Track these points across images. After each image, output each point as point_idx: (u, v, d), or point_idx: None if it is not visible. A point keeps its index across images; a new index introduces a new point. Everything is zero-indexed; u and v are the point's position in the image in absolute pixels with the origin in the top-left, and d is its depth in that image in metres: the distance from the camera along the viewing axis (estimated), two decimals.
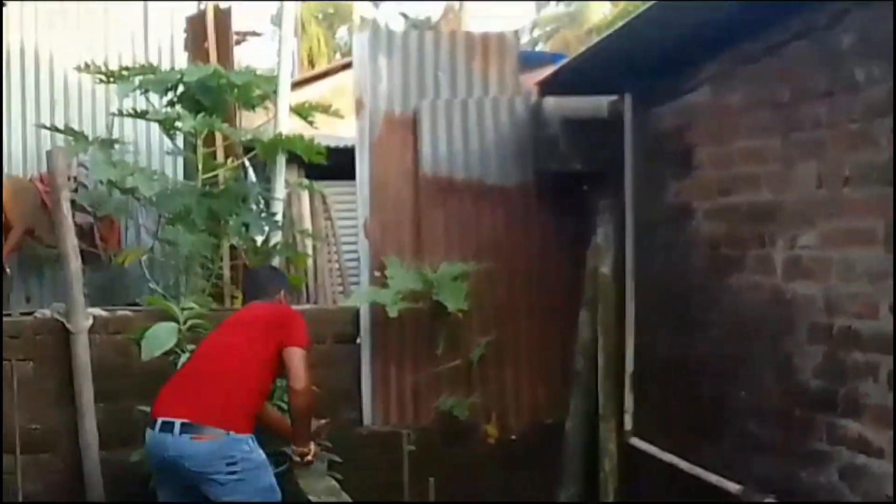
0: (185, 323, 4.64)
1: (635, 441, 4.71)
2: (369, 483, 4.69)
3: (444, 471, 5.01)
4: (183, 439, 3.68)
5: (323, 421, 4.28)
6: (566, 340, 5.21)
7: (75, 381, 4.71)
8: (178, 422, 3.71)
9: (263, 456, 3.85)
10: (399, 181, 5.25)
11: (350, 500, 4.00)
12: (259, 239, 5.93)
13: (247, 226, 5.84)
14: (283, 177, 6.09)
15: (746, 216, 3.91)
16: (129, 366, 4.76)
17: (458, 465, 5.09)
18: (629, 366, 4.75)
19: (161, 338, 4.53)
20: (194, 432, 3.68)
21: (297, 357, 3.89)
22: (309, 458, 4.07)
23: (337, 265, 7.78)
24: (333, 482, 4.20)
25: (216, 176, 5.98)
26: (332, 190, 7.58)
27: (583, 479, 5.01)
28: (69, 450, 4.71)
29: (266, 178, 6.39)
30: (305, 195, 7.38)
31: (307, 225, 7.31)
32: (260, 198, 6.11)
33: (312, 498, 3.98)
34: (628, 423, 4.76)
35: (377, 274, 5.08)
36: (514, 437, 5.22)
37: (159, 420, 3.76)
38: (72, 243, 4.80)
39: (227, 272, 6.10)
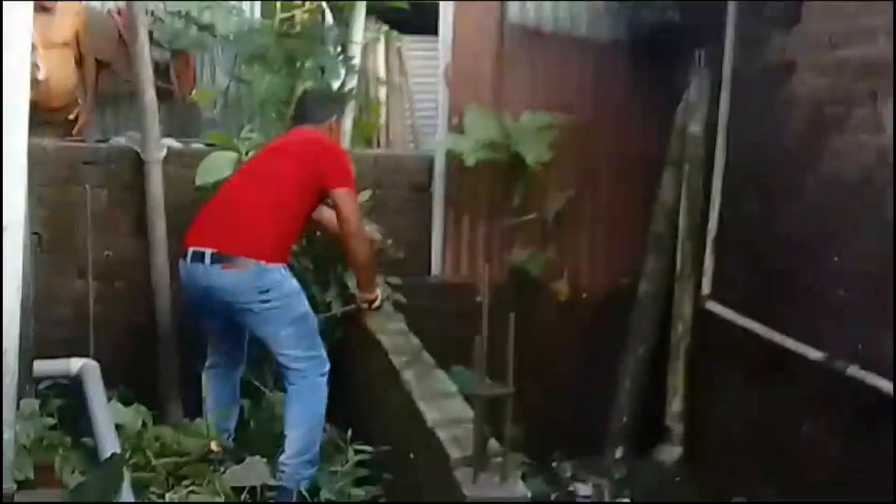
0: (246, 153, 4.50)
1: (712, 305, 4.56)
2: (434, 332, 4.64)
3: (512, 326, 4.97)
4: (214, 269, 3.59)
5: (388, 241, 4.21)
6: (647, 201, 5.04)
7: (148, 214, 4.66)
8: (208, 251, 3.61)
9: (297, 284, 3.76)
10: (483, 31, 5.00)
11: (419, 344, 3.93)
12: (335, 84, 5.77)
13: (322, 70, 5.68)
14: (362, 19, 5.86)
15: (857, 71, 3.63)
16: (202, 202, 4.72)
17: (526, 321, 5.00)
18: (712, 229, 4.57)
19: (218, 165, 4.40)
20: (224, 262, 3.58)
21: (348, 199, 3.73)
22: (376, 304, 4.00)
23: (410, 122, 7.62)
24: (403, 325, 4.14)
25: (293, 16, 5.80)
26: (409, 46, 7.37)
27: (653, 341, 4.91)
28: (142, 281, 4.71)
29: (344, 23, 6.18)
30: (381, 49, 7.18)
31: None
32: (337, 42, 5.92)
33: (382, 338, 3.94)
34: (706, 287, 4.61)
35: (454, 121, 4.91)
36: (584, 295, 5.12)
37: (190, 250, 3.67)
38: (147, 75, 4.68)
39: None
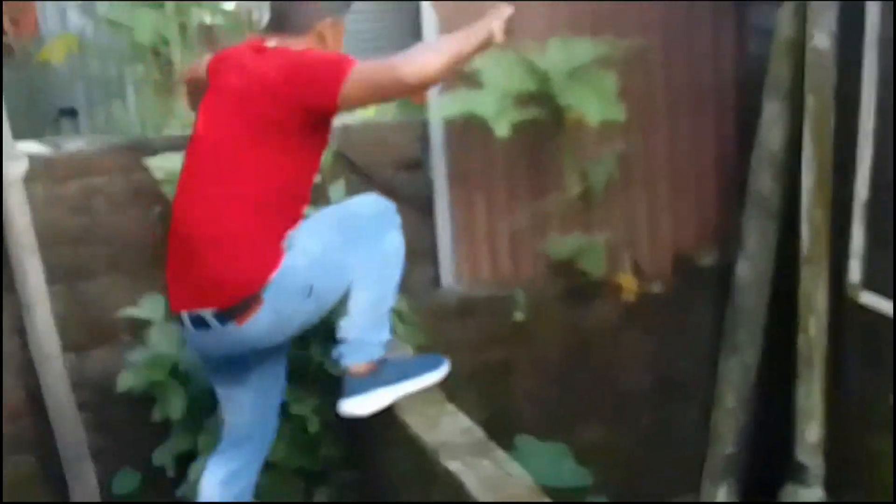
0: None
1: (866, 297, 3.17)
2: (460, 370, 3.12)
3: (565, 344, 3.53)
4: (230, 330, 2.38)
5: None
6: (739, 149, 3.58)
7: (13, 257, 3.01)
8: (207, 314, 2.38)
9: (319, 239, 2.43)
10: None
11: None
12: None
13: None
14: None
15: None
16: (95, 228, 3.09)
17: (584, 335, 3.57)
18: (861, 190, 3.12)
19: None
20: (235, 318, 2.35)
21: (364, 80, 2.21)
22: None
23: None
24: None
25: None
26: None
27: (764, 345, 3.53)
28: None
29: None
30: None
31: None
32: None
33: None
34: (854, 273, 3.20)
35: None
36: (659, 287, 3.65)
37: (185, 316, 2.44)
38: None
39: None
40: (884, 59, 2.98)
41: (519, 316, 3.44)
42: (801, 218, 3.26)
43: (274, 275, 2.34)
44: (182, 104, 4.28)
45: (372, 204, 2.58)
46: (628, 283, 3.58)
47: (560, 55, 3.19)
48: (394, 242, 2.56)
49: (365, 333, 2.55)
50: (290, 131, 2.31)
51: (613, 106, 3.06)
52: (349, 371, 2.56)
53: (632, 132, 3.49)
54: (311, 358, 2.88)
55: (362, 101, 2.39)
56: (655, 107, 3.60)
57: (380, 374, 2.57)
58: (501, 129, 3.00)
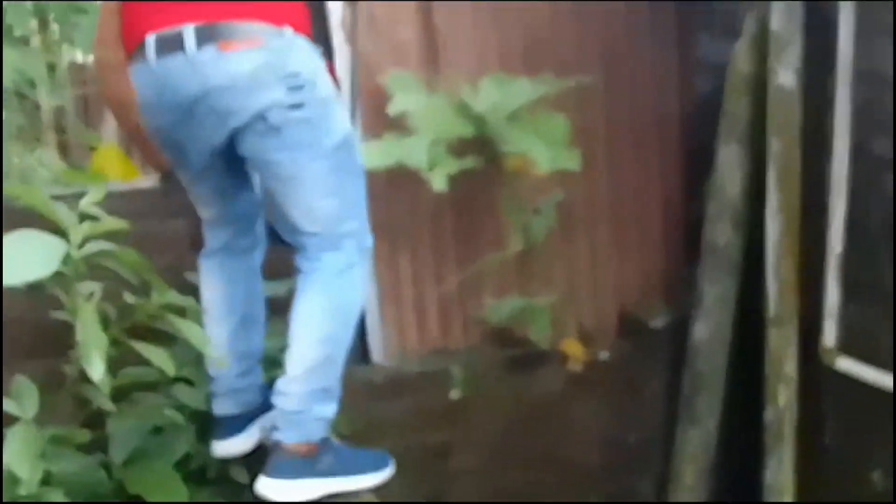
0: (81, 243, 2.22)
1: (843, 363, 2.84)
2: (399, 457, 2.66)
3: (507, 419, 3.11)
4: (205, 56, 1.93)
5: None
6: (686, 194, 3.24)
7: None
8: (188, 28, 1.93)
9: (331, 82, 2.11)
10: None
11: None
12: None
13: None
14: None
15: None
16: None
17: (525, 409, 3.14)
18: (834, 241, 2.80)
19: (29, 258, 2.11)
20: (223, 37, 1.93)
21: None
22: None
23: None
24: None
25: None
26: None
27: (724, 416, 3.17)
28: None
29: None
30: None
31: None
32: None
33: None
34: (829, 335, 2.87)
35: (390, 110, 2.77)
36: (605, 354, 3.25)
37: (150, 38, 1.97)
38: None
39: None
40: (858, 95, 2.67)
41: (455, 394, 2.99)
42: (765, 272, 2.93)
43: (296, 35, 1.98)
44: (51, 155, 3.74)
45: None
46: (574, 349, 3.17)
47: (495, 95, 2.78)
48: (358, 279, 2.16)
49: (308, 405, 2.10)
50: None
51: (565, 153, 2.66)
52: (281, 447, 2.09)
53: (570, 177, 3.09)
54: None
55: None
56: (594, 149, 3.22)
57: (318, 460, 2.11)
58: (438, 183, 2.56)
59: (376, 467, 2.23)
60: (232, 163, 2.15)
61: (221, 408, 2.33)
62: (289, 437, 2.09)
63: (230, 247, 2.35)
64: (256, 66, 1.93)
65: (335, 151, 2.07)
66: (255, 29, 1.94)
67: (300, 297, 2.12)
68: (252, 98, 1.94)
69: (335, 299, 2.11)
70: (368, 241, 2.18)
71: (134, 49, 2.03)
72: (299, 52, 2.00)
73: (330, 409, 2.14)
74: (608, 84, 3.17)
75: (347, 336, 2.14)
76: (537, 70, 2.97)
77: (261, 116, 1.96)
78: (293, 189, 2.06)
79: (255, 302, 2.39)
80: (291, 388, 2.09)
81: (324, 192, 2.07)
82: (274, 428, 2.13)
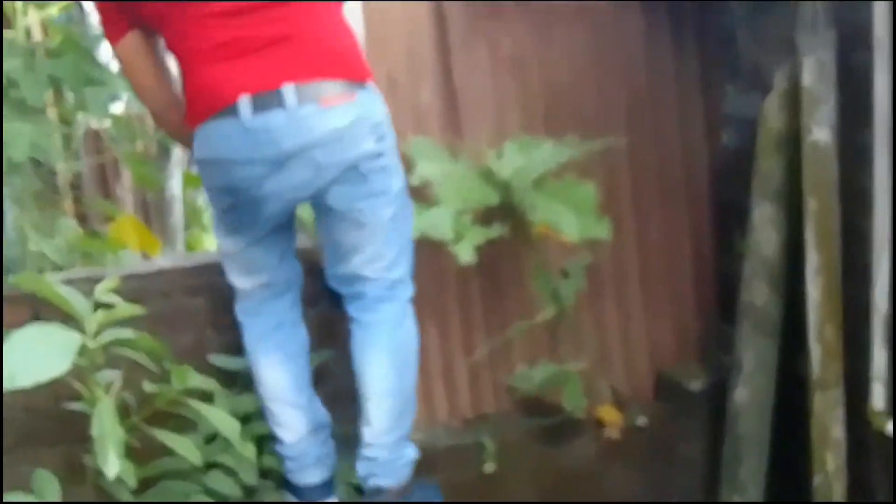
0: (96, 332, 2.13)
1: (893, 427, 2.72)
2: None
3: (541, 491, 2.99)
4: (307, 112, 2.04)
5: None
6: (717, 252, 3.15)
7: None
8: (289, 86, 2.04)
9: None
10: (408, 17, 2.84)
11: None
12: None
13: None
14: None
15: None
16: None
17: (560, 480, 3.02)
18: (880, 301, 2.69)
19: (40, 357, 2.01)
20: (323, 94, 2.06)
21: None
22: None
23: None
24: None
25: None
26: None
27: (770, 482, 3.04)
28: None
29: None
30: None
31: None
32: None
33: None
34: (878, 398, 2.75)
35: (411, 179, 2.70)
36: (643, 420, 3.13)
37: (245, 98, 2.04)
38: None
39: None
40: None
41: (489, 467, 2.88)
42: (808, 335, 2.82)
43: (370, 84, 2.19)
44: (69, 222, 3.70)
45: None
46: (610, 415, 3.06)
47: (519, 160, 2.70)
48: (413, 326, 2.40)
49: (399, 452, 2.39)
50: None
51: (595, 221, 2.57)
52: (381, 491, 2.37)
53: (601, 242, 3.00)
54: None
55: None
56: (622, 208, 3.14)
57: (411, 496, 2.43)
58: (465, 254, 2.48)
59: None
60: (292, 223, 2.33)
61: (312, 477, 2.45)
62: (388, 482, 2.35)
63: (283, 323, 2.41)
64: (353, 119, 2.09)
65: (398, 197, 2.27)
66: (348, 85, 2.10)
67: (367, 350, 2.29)
68: (349, 150, 2.10)
69: (402, 350, 2.34)
70: (412, 288, 2.39)
71: (218, 110, 2.07)
72: (379, 103, 2.21)
73: (413, 451, 2.44)
74: (633, 139, 3.09)
75: (414, 380, 2.39)
76: (560, 128, 2.90)
77: (353, 167, 2.12)
78: (367, 235, 2.21)
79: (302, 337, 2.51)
80: (382, 440, 2.32)
81: (388, 238, 2.26)
82: (371, 475, 2.34)
